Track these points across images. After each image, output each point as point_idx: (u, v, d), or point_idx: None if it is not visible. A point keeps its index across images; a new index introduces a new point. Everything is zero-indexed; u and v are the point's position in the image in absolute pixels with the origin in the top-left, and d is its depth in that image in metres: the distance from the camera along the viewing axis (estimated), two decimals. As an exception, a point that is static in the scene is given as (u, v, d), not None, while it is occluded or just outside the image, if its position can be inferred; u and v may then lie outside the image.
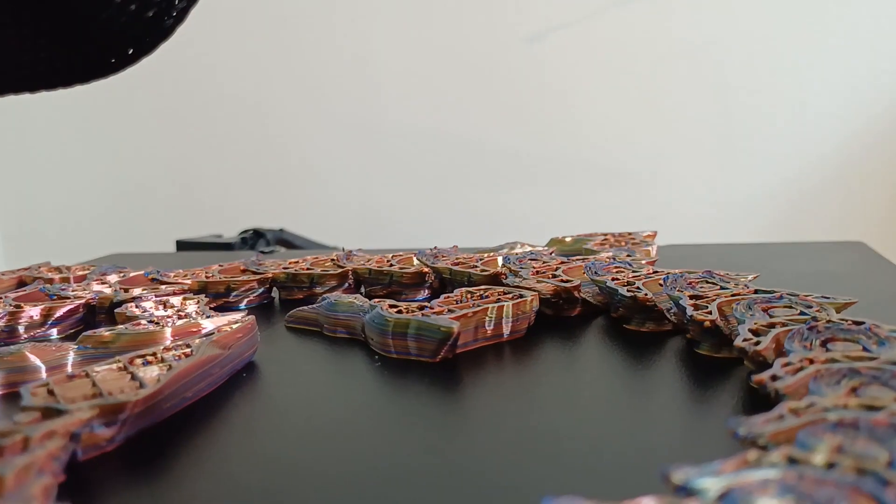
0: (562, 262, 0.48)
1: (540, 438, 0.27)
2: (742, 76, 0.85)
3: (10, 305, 0.41)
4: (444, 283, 0.48)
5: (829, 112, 0.84)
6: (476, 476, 0.24)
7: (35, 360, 0.34)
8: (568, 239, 0.56)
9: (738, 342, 0.30)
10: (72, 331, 0.42)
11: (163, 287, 0.47)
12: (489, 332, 0.38)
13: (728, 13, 0.84)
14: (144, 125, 0.89)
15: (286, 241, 0.78)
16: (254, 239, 0.75)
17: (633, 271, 0.45)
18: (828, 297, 0.36)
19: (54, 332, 0.42)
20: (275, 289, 0.50)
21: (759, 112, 0.85)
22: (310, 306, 0.43)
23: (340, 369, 0.37)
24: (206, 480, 0.25)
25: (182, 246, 0.69)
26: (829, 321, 0.32)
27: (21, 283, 0.53)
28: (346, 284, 0.49)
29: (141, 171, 0.90)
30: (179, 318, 0.38)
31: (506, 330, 0.38)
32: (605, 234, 0.57)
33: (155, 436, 0.29)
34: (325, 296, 0.44)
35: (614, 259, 0.48)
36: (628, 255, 0.50)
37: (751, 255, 0.63)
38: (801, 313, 0.34)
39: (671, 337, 0.39)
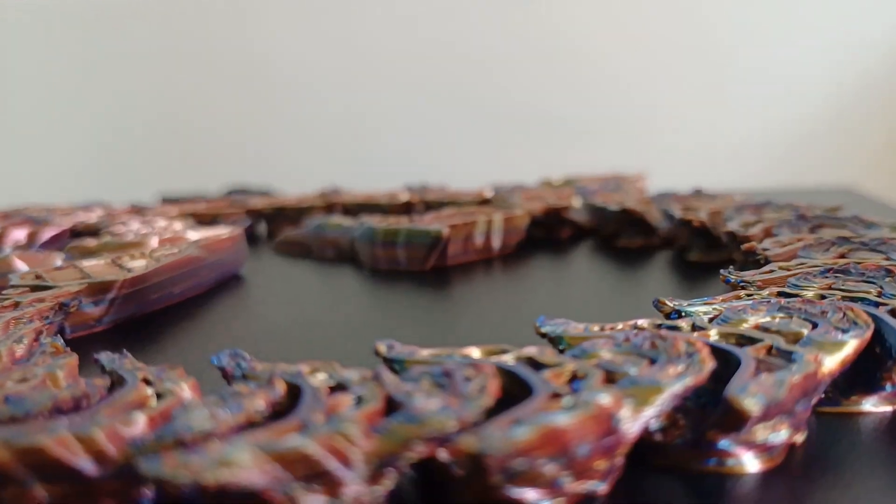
0: (551, 192, 0.48)
1: (526, 330, 0.27)
2: (732, 24, 0.85)
3: (-5, 229, 0.41)
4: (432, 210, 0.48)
5: (819, 58, 0.84)
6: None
7: (22, 265, 0.33)
8: (556, 181, 0.56)
9: (729, 227, 0.31)
10: (58, 257, 0.42)
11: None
12: (479, 244, 0.38)
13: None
14: (125, 75, 0.88)
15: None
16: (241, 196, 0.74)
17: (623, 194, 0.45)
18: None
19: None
20: (262, 223, 0.49)
21: (749, 60, 0.86)
22: (298, 230, 0.43)
23: (329, 281, 0.37)
24: (192, 352, 0.25)
25: (168, 201, 0.69)
26: (817, 212, 0.32)
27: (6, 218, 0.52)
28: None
29: (122, 120, 0.89)
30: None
31: (496, 243, 0.38)
32: (594, 177, 0.57)
33: (142, 322, 0.29)
34: (312, 220, 0.44)
35: (604, 184, 0.48)
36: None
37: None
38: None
39: (661, 250, 0.39)
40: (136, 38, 0.87)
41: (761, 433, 0.15)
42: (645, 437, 0.15)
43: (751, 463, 0.15)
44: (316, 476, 0.13)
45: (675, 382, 0.14)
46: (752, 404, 0.14)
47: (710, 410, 0.15)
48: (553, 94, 0.88)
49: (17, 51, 0.87)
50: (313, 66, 0.87)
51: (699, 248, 0.35)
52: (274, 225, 0.48)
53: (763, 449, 0.15)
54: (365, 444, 0.13)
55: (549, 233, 0.43)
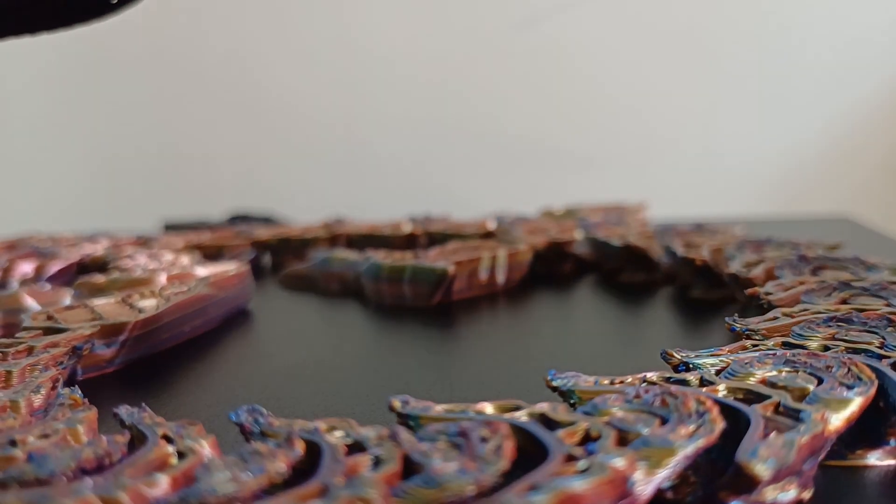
0: (553, 224, 0.48)
1: (533, 377, 0.27)
2: (730, 54, 0.86)
3: (4, 262, 0.41)
4: (436, 243, 0.48)
5: (815, 89, 0.85)
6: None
7: (31, 301, 0.34)
8: (557, 211, 0.57)
9: (731, 268, 0.31)
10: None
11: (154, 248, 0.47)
12: (483, 280, 0.38)
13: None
14: (128, 101, 0.89)
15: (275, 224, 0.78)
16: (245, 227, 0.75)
17: (625, 227, 0.45)
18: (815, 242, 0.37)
19: (48, 287, 0.42)
20: (267, 254, 0.50)
21: (744, 92, 0.87)
22: (303, 264, 0.43)
23: (334, 316, 0.37)
24: (203, 396, 0.26)
25: (171, 228, 0.69)
26: (819, 253, 0.33)
27: (11, 248, 0.52)
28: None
29: (125, 148, 0.90)
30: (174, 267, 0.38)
31: (500, 279, 0.39)
32: (596, 207, 0.58)
33: (153, 362, 0.29)
34: (318, 253, 0.45)
35: (606, 215, 0.49)
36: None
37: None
38: (791, 252, 0.35)
39: (663, 286, 0.39)
40: (137, 65, 0.88)
41: (770, 494, 0.15)
42: (657, 496, 0.15)
43: (760, 522, 0.15)
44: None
45: (688, 444, 0.15)
46: (762, 469, 0.14)
47: (720, 466, 0.15)
48: (552, 125, 0.89)
49: (17, 77, 0.88)
50: (316, 94, 0.88)
51: (701, 286, 0.36)
52: (278, 257, 0.49)
53: (772, 508, 0.15)
54: (385, 508, 0.13)
55: (552, 267, 0.43)
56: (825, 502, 0.16)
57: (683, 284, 0.37)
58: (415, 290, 0.36)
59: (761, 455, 0.14)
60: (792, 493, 0.15)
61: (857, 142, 0.86)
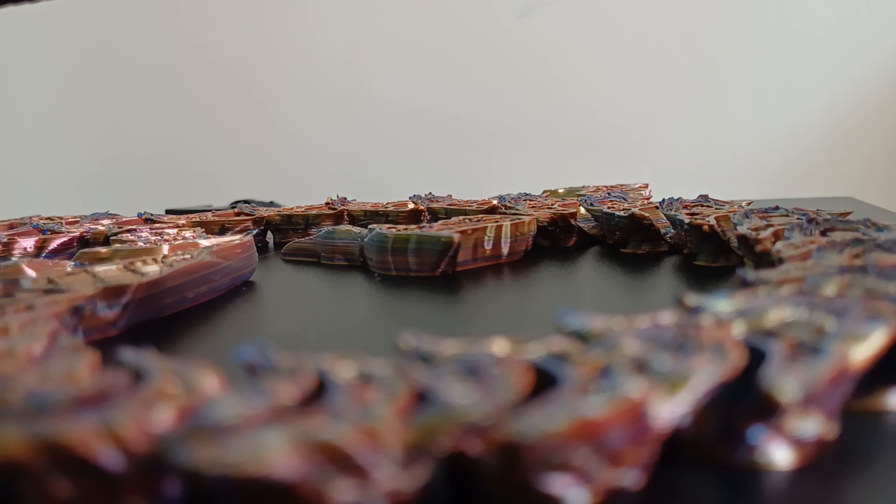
0: (556, 201, 0.48)
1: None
2: (728, 41, 0.86)
3: (3, 237, 0.41)
4: (440, 219, 0.48)
5: (814, 75, 0.85)
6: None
7: (31, 272, 0.33)
8: (561, 190, 0.57)
9: (739, 230, 0.31)
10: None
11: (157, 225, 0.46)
12: (488, 251, 0.38)
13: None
14: (133, 91, 0.88)
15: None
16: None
17: (629, 202, 0.45)
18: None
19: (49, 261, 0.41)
20: (269, 233, 0.49)
21: (744, 76, 0.86)
22: (306, 238, 0.43)
23: (338, 285, 0.37)
24: (211, 357, 0.25)
25: (173, 213, 0.69)
26: (827, 216, 0.32)
27: (11, 227, 0.52)
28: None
29: (128, 137, 0.89)
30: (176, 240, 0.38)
31: (504, 250, 0.38)
32: (598, 186, 0.58)
33: (156, 327, 0.28)
34: (321, 227, 0.44)
35: (609, 194, 0.48)
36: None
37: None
38: (798, 219, 0.35)
39: (668, 255, 0.39)
40: (137, 68, 0.87)
41: (792, 422, 0.15)
42: (676, 433, 0.15)
43: (783, 457, 0.15)
44: (347, 467, 0.13)
45: (706, 372, 0.14)
46: (786, 390, 0.14)
47: (739, 402, 0.15)
48: (554, 111, 0.88)
49: (22, 73, 0.87)
50: (319, 86, 0.88)
51: (707, 253, 0.35)
52: (281, 235, 0.48)
53: (795, 442, 0.15)
54: (397, 434, 0.13)
55: (556, 241, 0.43)
56: (849, 446, 0.16)
57: (688, 253, 0.37)
58: (420, 259, 0.36)
59: (785, 376, 0.14)
60: (816, 425, 0.15)
61: (856, 126, 0.86)
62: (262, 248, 0.47)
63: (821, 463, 0.15)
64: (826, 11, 0.84)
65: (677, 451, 0.15)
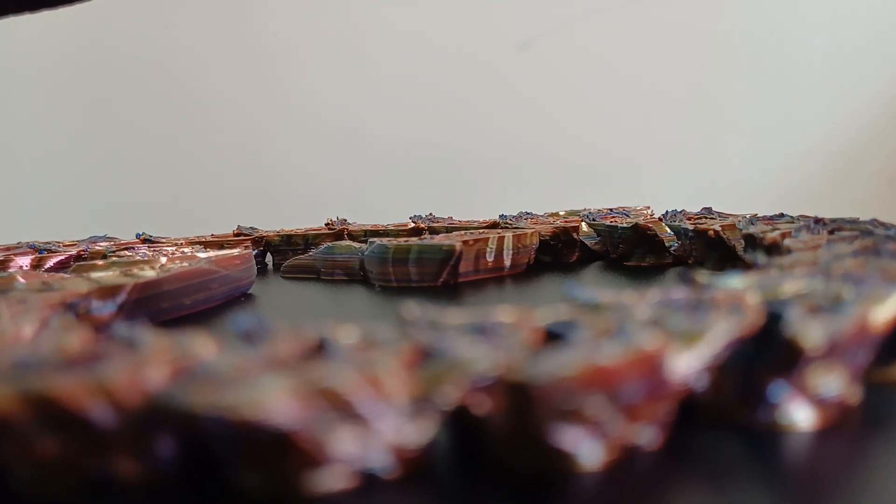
0: (558, 219, 0.48)
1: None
2: (727, 69, 0.87)
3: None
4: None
5: (815, 103, 0.85)
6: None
7: (25, 283, 0.33)
8: (562, 212, 0.56)
9: (746, 231, 0.30)
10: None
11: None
12: (490, 263, 0.37)
13: (712, 16, 0.87)
14: (130, 127, 0.89)
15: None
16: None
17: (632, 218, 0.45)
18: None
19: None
20: (269, 254, 0.49)
21: (744, 104, 0.87)
22: (305, 254, 0.42)
23: (339, 297, 0.36)
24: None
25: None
26: (834, 218, 0.32)
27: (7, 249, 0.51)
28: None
29: (125, 174, 0.89)
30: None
31: (506, 262, 0.38)
32: (600, 209, 0.57)
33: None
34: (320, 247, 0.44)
35: (611, 210, 0.48)
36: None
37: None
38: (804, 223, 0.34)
39: (673, 267, 0.39)
40: (133, 94, 0.88)
41: (815, 380, 0.14)
42: (694, 396, 0.14)
43: (805, 418, 0.14)
44: (348, 416, 0.12)
45: (724, 326, 0.14)
46: (808, 335, 0.13)
47: (759, 362, 0.14)
48: (553, 141, 0.88)
49: (15, 111, 0.88)
50: (321, 110, 0.88)
51: (713, 260, 0.35)
52: (280, 256, 0.48)
53: (817, 402, 0.14)
54: (402, 383, 0.12)
55: (559, 256, 0.42)
56: (872, 410, 0.15)
57: (695, 262, 0.36)
58: (421, 269, 0.35)
59: (807, 324, 0.13)
60: (837, 382, 0.14)
61: (856, 153, 0.86)
62: (261, 269, 0.47)
63: (843, 427, 0.15)
64: (825, 41, 0.85)
65: (696, 414, 0.15)
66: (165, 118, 0.88)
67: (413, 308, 0.16)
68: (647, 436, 0.13)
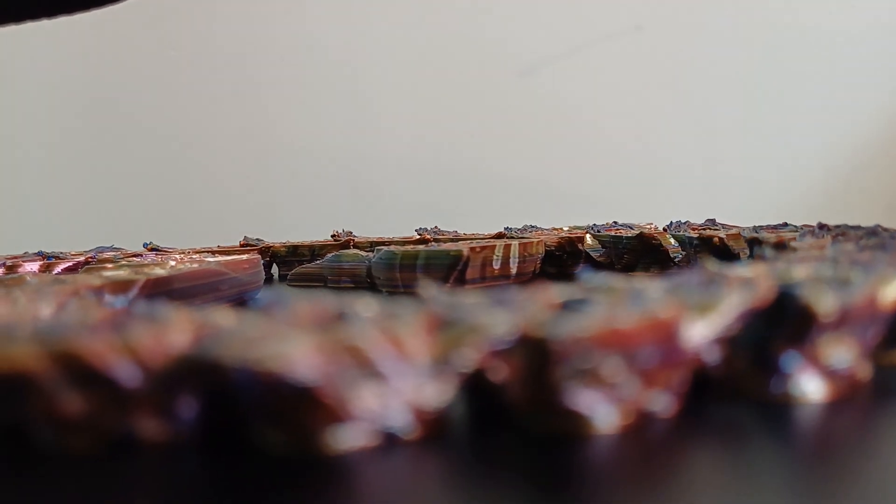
0: (562, 233, 0.48)
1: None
2: (724, 103, 0.88)
3: (7, 262, 0.41)
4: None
5: (812, 131, 0.86)
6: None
7: (37, 280, 0.33)
8: (565, 228, 0.57)
9: (749, 234, 0.30)
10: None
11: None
12: (496, 270, 0.38)
13: (714, 44, 0.88)
14: (134, 137, 0.89)
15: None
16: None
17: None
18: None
19: (52, 287, 0.41)
20: (274, 265, 0.49)
21: (741, 132, 0.87)
22: (312, 263, 0.43)
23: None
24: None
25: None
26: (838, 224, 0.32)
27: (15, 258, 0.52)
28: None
29: (131, 188, 0.90)
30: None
31: (513, 270, 0.38)
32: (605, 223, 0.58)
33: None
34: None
35: (615, 223, 0.49)
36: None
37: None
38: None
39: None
40: (140, 114, 0.89)
41: (826, 351, 0.14)
42: (708, 370, 0.15)
43: (816, 389, 0.14)
44: (370, 373, 0.12)
45: (737, 297, 0.14)
46: (821, 300, 0.13)
47: (772, 334, 0.15)
48: (556, 166, 0.89)
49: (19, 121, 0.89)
50: (322, 138, 0.89)
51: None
52: (286, 268, 0.48)
53: (828, 373, 0.14)
54: (422, 342, 0.12)
55: (564, 268, 0.43)
56: (883, 387, 0.16)
57: (700, 272, 0.37)
58: (428, 275, 0.35)
59: (820, 288, 0.13)
60: (847, 354, 0.14)
61: (854, 180, 0.86)
62: (267, 279, 0.47)
63: (854, 398, 0.15)
64: (822, 68, 0.86)
65: (710, 388, 0.15)
66: (171, 133, 0.89)
67: (430, 287, 0.17)
68: (661, 403, 0.13)
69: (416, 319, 0.13)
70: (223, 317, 0.15)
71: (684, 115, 0.87)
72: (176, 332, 0.13)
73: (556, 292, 0.16)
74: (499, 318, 0.13)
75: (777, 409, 0.14)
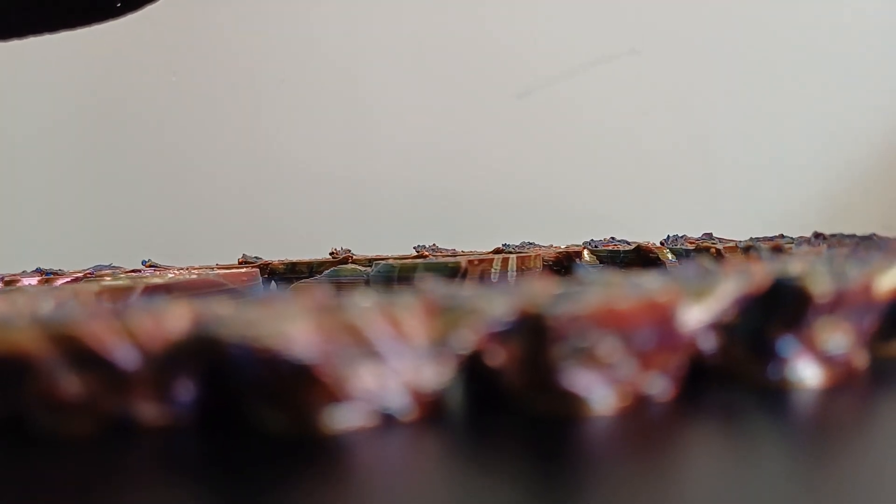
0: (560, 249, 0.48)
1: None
2: (723, 125, 0.88)
3: (5, 278, 0.41)
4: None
5: (809, 151, 0.87)
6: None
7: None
8: (562, 246, 0.57)
9: (746, 243, 0.31)
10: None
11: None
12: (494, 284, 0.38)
13: (710, 66, 0.89)
14: (134, 151, 0.90)
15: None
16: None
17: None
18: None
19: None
20: (273, 283, 0.49)
21: (739, 152, 0.88)
22: (311, 278, 0.43)
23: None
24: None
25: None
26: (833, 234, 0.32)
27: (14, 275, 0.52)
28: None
29: (129, 208, 0.90)
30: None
31: (511, 283, 0.38)
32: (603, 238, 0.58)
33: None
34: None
35: (613, 238, 0.49)
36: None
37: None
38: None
39: (676, 291, 0.39)
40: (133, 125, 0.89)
41: (822, 336, 0.14)
42: (704, 357, 0.15)
43: (813, 375, 0.14)
44: (368, 354, 0.12)
45: (733, 283, 0.14)
46: (817, 280, 0.13)
47: (768, 320, 0.15)
48: (554, 188, 0.90)
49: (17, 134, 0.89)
50: (322, 157, 0.90)
51: (717, 280, 0.35)
52: (285, 284, 0.48)
53: (825, 359, 0.14)
54: (420, 323, 0.13)
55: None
56: (880, 374, 0.16)
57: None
58: (426, 287, 0.36)
59: (817, 270, 0.13)
60: (843, 340, 0.15)
61: (851, 201, 0.87)
62: (265, 296, 0.47)
63: (851, 385, 0.15)
64: (819, 90, 0.87)
65: (707, 375, 0.15)
66: (169, 153, 0.89)
67: (428, 279, 0.17)
68: (659, 386, 0.14)
69: (415, 302, 0.13)
70: (221, 306, 0.15)
71: (682, 135, 0.88)
72: (175, 316, 0.13)
73: (554, 284, 0.16)
74: (497, 301, 0.13)
75: (774, 395, 0.14)
